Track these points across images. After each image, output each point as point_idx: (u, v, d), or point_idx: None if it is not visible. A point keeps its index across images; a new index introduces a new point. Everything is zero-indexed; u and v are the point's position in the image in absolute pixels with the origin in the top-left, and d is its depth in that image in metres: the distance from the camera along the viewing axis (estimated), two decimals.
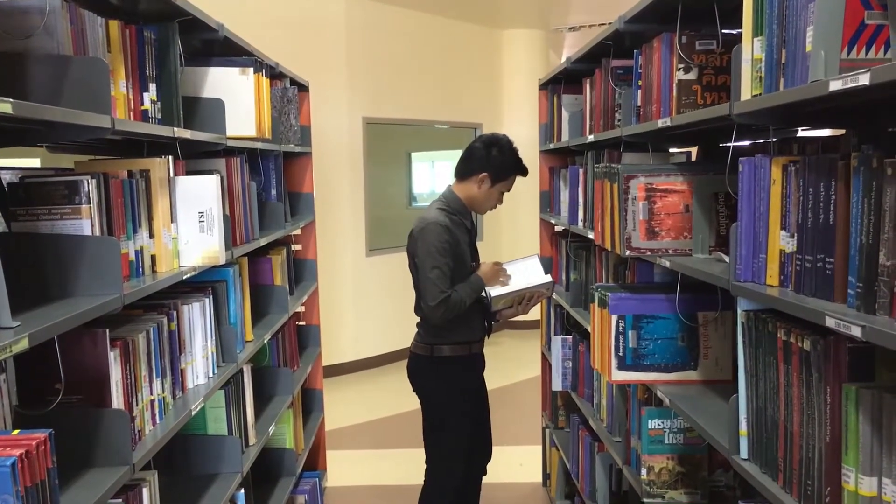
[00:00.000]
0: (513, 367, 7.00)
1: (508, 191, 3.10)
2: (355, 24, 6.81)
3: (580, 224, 3.26)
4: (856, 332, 1.23)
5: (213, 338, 2.44)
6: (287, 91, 3.66)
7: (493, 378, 6.75)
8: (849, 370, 1.36)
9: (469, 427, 3.07)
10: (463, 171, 3.06)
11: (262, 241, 3.01)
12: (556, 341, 3.54)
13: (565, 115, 3.77)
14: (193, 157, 2.54)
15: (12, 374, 1.65)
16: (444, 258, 2.88)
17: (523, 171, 3.08)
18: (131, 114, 2.03)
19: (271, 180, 3.45)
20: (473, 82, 8.07)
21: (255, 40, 3.08)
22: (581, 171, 3.27)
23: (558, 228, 4.12)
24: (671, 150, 3.03)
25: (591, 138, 3.13)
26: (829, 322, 1.31)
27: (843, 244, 1.38)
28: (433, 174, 8.68)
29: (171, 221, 2.16)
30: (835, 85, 1.27)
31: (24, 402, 1.68)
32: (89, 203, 1.76)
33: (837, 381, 1.37)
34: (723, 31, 2.10)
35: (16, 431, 1.27)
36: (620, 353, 2.29)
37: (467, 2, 7.48)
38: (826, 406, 1.39)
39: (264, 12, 6.09)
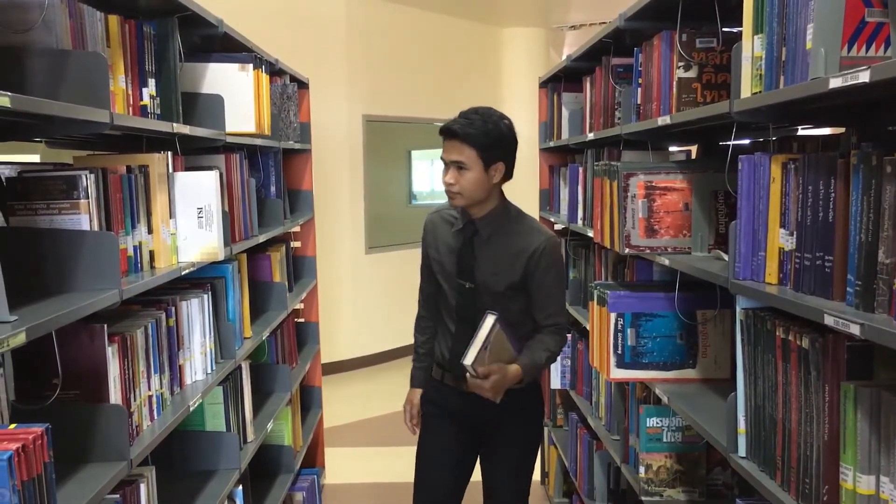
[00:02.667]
0: None
1: (444, 162, 2.42)
2: (355, 21, 6.81)
3: (580, 222, 3.26)
4: (854, 330, 1.23)
5: (212, 334, 2.44)
6: (287, 88, 3.66)
7: None
8: (847, 368, 1.36)
9: (420, 445, 2.64)
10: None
11: (262, 238, 3.01)
12: None
13: (565, 113, 3.76)
14: (192, 154, 2.53)
15: (10, 368, 1.64)
16: (421, 252, 2.65)
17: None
18: (130, 109, 2.03)
19: (271, 177, 3.45)
20: (473, 80, 8.05)
21: (254, 36, 3.07)
22: (581, 170, 3.27)
23: (558, 226, 4.11)
24: (671, 148, 3.03)
25: (590, 136, 3.13)
26: (828, 320, 1.31)
27: (843, 242, 1.38)
28: (433, 172, 8.66)
29: (170, 217, 2.16)
30: (835, 82, 1.26)
31: (21, 397, 1.68)
32: (87, 198, 1.75)
33: (836, 379, 1.37)
34: (723, 28, 2.10)
35: (13, 425, 1.26)
36: (619, 351, 2.29)
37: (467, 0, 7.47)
38: (824, 404, 1.39)
39: (264, 8, 6.08)
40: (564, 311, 2.56)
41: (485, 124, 2.35)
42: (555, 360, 2.56)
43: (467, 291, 2.46)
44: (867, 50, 1.32)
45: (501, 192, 2.50)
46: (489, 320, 2.26)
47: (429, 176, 8.53)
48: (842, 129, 2.04)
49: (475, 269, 2.45)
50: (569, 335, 2.67)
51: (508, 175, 2.45)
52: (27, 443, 1.18)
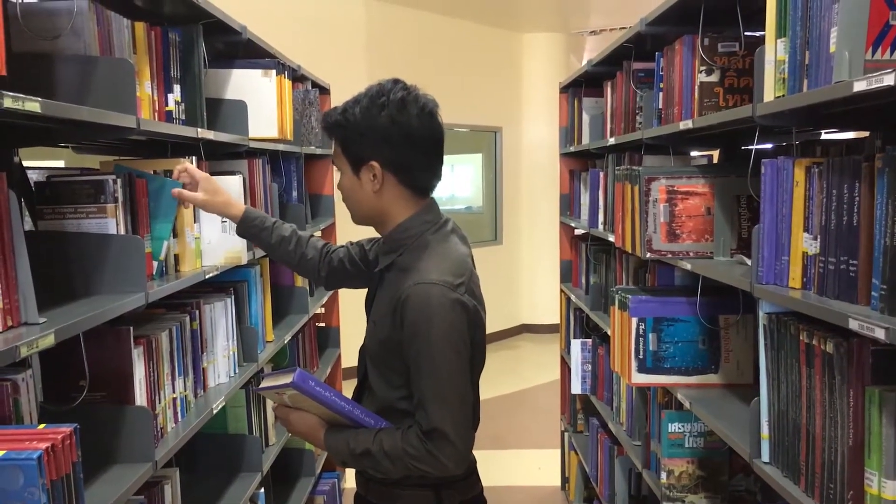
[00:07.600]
0: (531, 370, 7.00)
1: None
2: (375, 28, 6.84)
3: (600, 227, 3.25)
4: (880, 334, 1.23)
5: (235, 337, 2.46)
6: (309, 93, 3.68)
7: (512, 381, 6.76)
8: (872, 373, 1.35)
9: None
10: None
11: None
12: (576, 344, 3.54)
13: (586, 117, 3.76)
14: (216, 159, 2.56)
15: (38, 370, 1.67)
16: None
17: None
18: (156, 114, 2.06)
19: (293, 182, 3.47)
20: (493, 85, 8.07)
21: (276, 43, 3.10)
22: (601, 174, 3.27)
23: (578, 231, 4.11)
24: (692, 153, 3.02)
25: (611, 141, 3.13)
26: (853, 324, 1.30)
27: (867, 246, 1.37)
28: (452, 177, 8.68)
29: (195, 221, 2.18)
30: (859, 85, 1.26)
31: (47, 399, 1.70)
32: (115, 202, 1.78)
33: (860, 383, 1.36)
34: (745, 33, 2.09)
35: (41, 426, 1.28)
36: (641, 356, 2.29)
37: (487, 5, 7.48)
38: (849, 409, 1.38)
39: (286, 15, 6.13)
40: (437, 409, 1.58)
41: (349, 107, 1.72)
42: (397, 472, 1.67)
43: (367, 332, 1.84)
44: (892, 53, 1.31)
45: (415, 208, 1.77)
46: (286, 378, 1.66)
47: (449, 182, 8.55)
48: (865, 134, 2.03)
49: (371, 310, 1.82)
50: (445, 460, 1.59)
51: (409, 181, 1.75)
52: (56, 443, 1.20)
